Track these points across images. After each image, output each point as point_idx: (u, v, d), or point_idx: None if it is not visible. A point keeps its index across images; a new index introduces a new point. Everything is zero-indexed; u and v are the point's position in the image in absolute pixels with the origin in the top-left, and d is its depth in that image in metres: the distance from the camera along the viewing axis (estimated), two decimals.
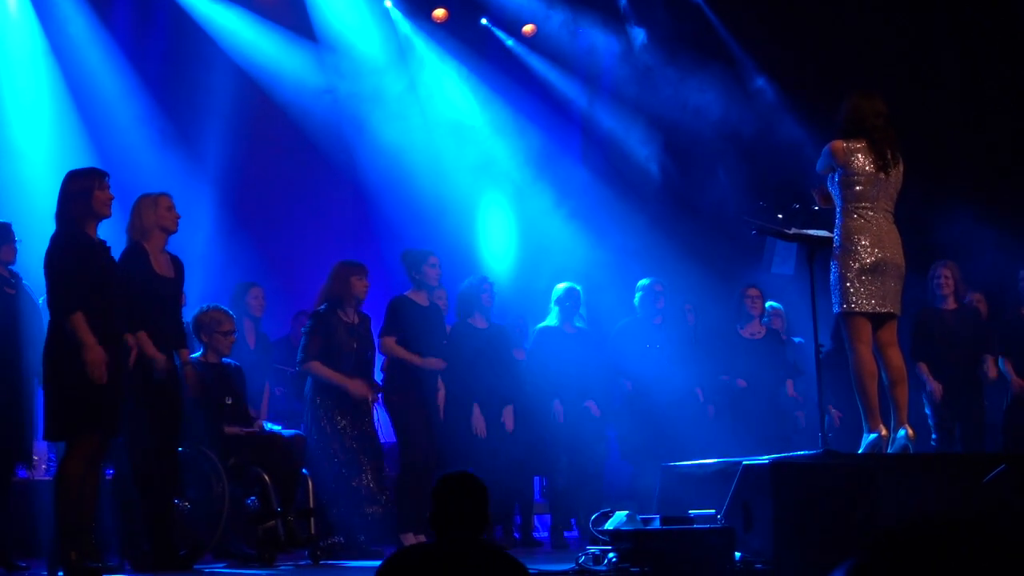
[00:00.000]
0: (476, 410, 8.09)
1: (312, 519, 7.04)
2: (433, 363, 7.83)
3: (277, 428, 7.50)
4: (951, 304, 8.69)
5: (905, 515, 5.26)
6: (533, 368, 8.54)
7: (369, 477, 7.48)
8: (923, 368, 8.53)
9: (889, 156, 6.28)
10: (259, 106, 10.84)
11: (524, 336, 9.11)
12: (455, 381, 8.16)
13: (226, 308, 7.40)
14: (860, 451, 6.28)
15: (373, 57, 11.45)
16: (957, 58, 10.49)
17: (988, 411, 8.66)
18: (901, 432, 6.24)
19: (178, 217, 6.56)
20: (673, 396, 8.57)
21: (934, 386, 8.49)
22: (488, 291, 8.40)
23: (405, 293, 8.02)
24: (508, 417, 8.26)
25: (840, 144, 6.28)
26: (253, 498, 6.80)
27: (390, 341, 7.82)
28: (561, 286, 8.84)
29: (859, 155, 6.25)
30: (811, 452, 6.23)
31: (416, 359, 7.79)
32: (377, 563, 6.67)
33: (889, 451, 6.21)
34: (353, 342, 7.55)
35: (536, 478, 9.25)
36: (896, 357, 6.42)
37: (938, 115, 10.20)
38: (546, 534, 9.19)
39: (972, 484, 5.61)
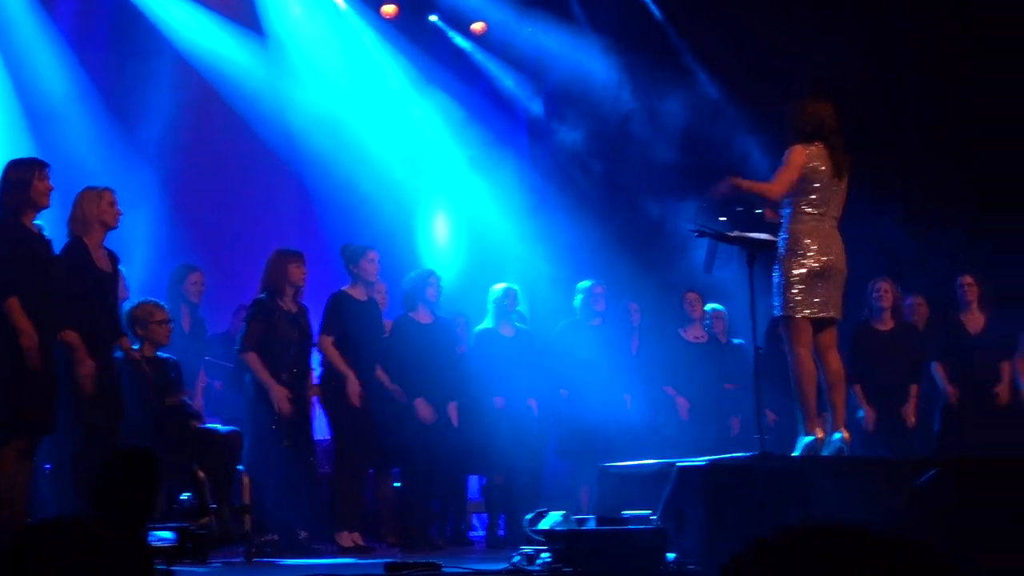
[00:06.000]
0: (421, 402, 8.04)
1: (248, 516, 6.98)
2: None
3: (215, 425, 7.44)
4: (888, 322, 8.58)
5: (837, 517, 5.29)
6: (471, 370, 8.48)
7: (307, 473, 7.46)
8: (858, 391, 8.40)
9: (842, 161, 6.32)
10: (204, 98, 10.72)
11: (465, 335, 9.04)
12: (397, 376, 8.10)
13: (156, 300, 7.36)
14: (796, 453, 6.32)
15: (322, 51, 11.38)
16: (908, 64, 10.51)
17: (923, 417, 8.64)
18: (837, 435, 6.29)
19: (119, 214, 6.54)
20: (610, 401, 8.54)
21: (867, 412, 8.42)
22: (434, 285, 8.33)
23: (343, 288, 7.97)
24: (452, 413, 8.22)
25: (802, 149, 6.29)
26: (188, 494, 6.74)
27: (327, 341, 7.75)
28: (498, 287, 8.75)
29: (817, 160, 6.28)
30: (747, 454, 6.27)
31: (347, 370, 7.65)
32: (315, 561, 6.68)
33: (824, 453, 6.26)
34: (294, 332, 7.52)
35: (474, 477, 9.21)
36: (835, 361, 6.47)
37: (876, 121, 10.22)
38: (482, 533, 9.16)
39: (905, 487, 5.67)
